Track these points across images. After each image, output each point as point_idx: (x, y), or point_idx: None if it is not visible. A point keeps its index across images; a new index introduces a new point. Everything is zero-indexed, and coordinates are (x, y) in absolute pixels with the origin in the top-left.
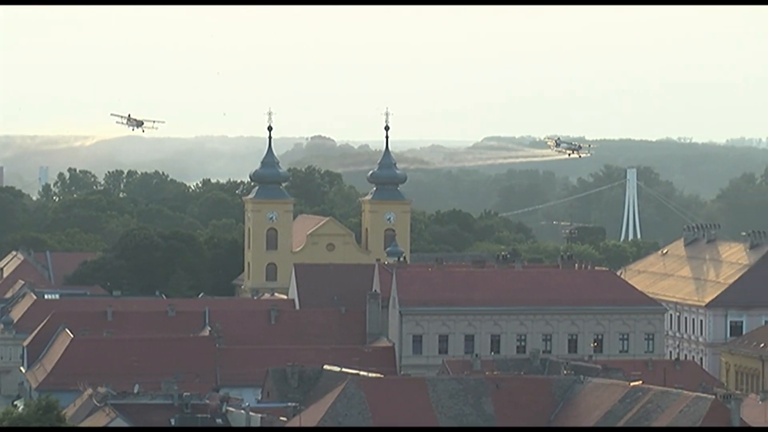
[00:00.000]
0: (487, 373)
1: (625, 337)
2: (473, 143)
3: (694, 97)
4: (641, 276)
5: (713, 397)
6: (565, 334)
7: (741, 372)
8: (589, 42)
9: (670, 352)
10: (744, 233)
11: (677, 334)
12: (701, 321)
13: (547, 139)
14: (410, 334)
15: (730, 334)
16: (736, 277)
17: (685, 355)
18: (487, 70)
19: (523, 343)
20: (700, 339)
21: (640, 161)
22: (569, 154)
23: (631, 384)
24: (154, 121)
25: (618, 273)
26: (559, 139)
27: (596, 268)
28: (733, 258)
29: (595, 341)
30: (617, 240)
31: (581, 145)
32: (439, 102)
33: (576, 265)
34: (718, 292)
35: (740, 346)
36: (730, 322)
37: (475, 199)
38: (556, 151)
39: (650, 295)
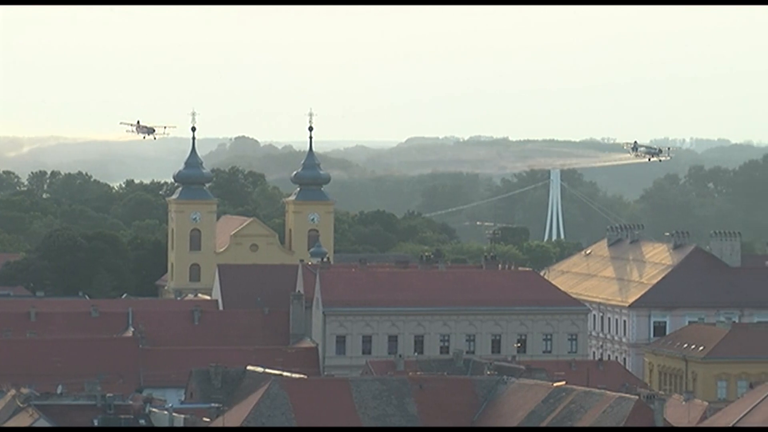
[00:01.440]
0: (410, 373)
1: (549, 337)
2: (397, 144)
3: (617, 97)
4: (565, 276)
5: (636, 397)
6: (488, 335)
7: (664, 372)
8: (512, 41)
9: (594, 353)
10: (667, 234)
11: (601, 335)
12: (625, 321)
13: (624, 144)
14: (334, 335)
15: (654, 335)
16: (660, 278)
17: (609, 356)
18: (410, 70)
19: (446, 344)
20: (624, 339)
21: (565, 161)
22: (649, 159)
23: (555, 384)
24: (165, 127)
25: (541, 273)
26: (636, 143)
27: (520, 268)
28: (657, 258)
29: (518, 342)
30: (541, 240)
31: (661, 149)
32: (363, 102)
33: (499, 265)
34: (642, 293)
35: (664, 347)
36: (654, 322)
37: (399, 199)
38: (633, 155)
39: (574, 296)
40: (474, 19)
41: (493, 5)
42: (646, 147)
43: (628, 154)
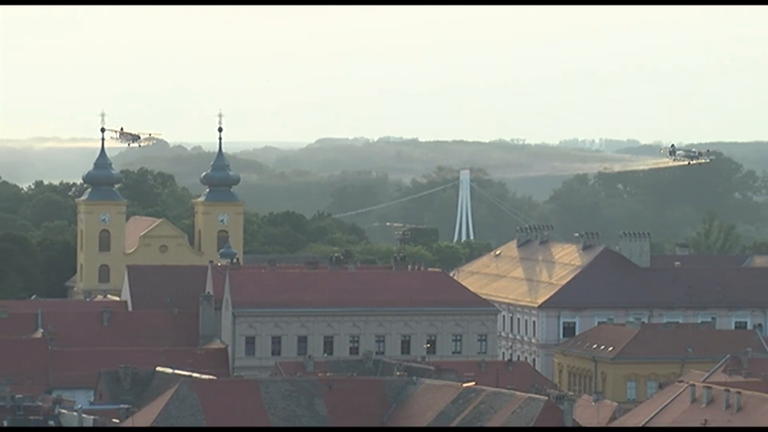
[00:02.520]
0: (319, 374)
1: (458, 338)
2: (306, 145)
3: (526, 98)
4: (474, 277)
5: (546, 398)
6: (398, 335)
7: (574, 373)
8: (421, 40)
9: (503, 353)
10: (577, 234)
11: (510, 335)
12: (534, 322)
13: (661, 149)
14: (243, 336)
15: (563, 335)
16: (569, 278)
17: (518, 356)
18: (319, 70)
19: (356, 345)
20: (533, 340)
21: (474, 162)
22: (689, 162)
23: (464, 385)
24: (150, 134)
25: (451, 274)
26: (673, 146)
27: (429, 269)
28: (566, 259)
29: (428, 342)
30: (450, 241)
31: (700, 152)
32: (272, 103)
33: (409, 266)
34: (551, 293)
35: (573, 347)
36: (563, 323)
37: (309, 200)
38: (672, 159)
39: (483, 296)
40: (382, 18)
41: (401, 5)
42: (685, 150)
43: (667, 159)
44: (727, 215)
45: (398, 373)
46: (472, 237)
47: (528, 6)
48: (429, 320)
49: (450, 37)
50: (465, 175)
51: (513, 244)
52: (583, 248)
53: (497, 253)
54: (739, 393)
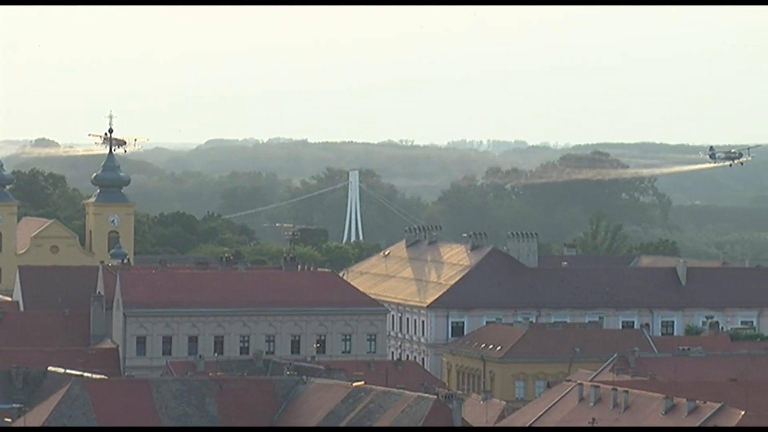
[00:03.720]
0: (210, 374)
1: (348, 337)
2: (196, 146)
3: (414, 98)
4: (364, 277)
5: (435, 397)
6: (288, 335)
7: (462, 372)
8: (309, 41)
9: (392, 353)
10: (465, 235)
11: (399, 335)
12: (423, 322)
13: (700, 152)
14: (134, 336)
15: (452, 335)
16: (458, 278)
17: (407, 356)
18: (208, 70)
19: (246, 344)
20: (422, 339)
21: (363, 163)
22: (730, 165)
23: (354, 384)
24: (135, 139)
25: (340, 274)
26: (712, 148)
27: (319, 269)
28: (455, 259)
29: (317, 342)
30: (340, 242)
31: (741, 152)
32: (162, 104)
33: (299, 266)
34: (440, 293)
35: (462, 347)
36: (452, 322)
37: (199, 201)
38: (712, 162)
39: (372, 296)
40: (271, 18)
41: (293, 5)
42: (725, 152)
43: (709, 163)
44: (614, 216)
45: (288, 373)
46: (361, 237)
47: (416, 6)
48: (318, 320)
49: (337, 38)
50: (354, 176)
51: (402, 244)
52: (472, 248)
53: (386, 253)
54: (626, 392)
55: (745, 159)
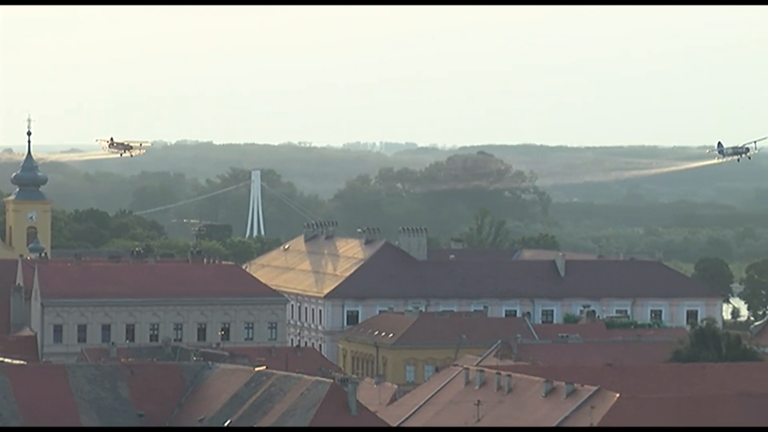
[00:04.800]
0: (122, 360)
1: (251, 326)
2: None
3: (312, 101)
4: (265, 270)
5: (331, 380)
6: (194, 324)
7: (357, 357)
8: (213, 46)
9: (292, 340)
10: (359, 230)
11: (298, 323)
12: (320, 311)
13: (706, 149)
14: (51, 324)
15: (347, 323)
16: (352, 270)
17: (306, 342)
18: (119, 75)
19: (155, 332)
20: (320, 327)
21: (264, 164)
22: (738, 159)
23: (256, 369)
24: (140, 144)
25: (243, 267)
26: (720, 144)
27: (223, 262)
28: (350, 253)
29: (222, 330)
30: (243, 237)
31: (747, 147)
32: (77, 107)
33: (204, 259)
34: (336, 284)
35: (356, 334)
36: (347, 311)
37: (112, 199)
38: (721, 158)
39: (273, 287)
40: (176, 23)
41: (195, 4)
42: (733, 148)
43: (716, 158)
44: (498, 212)
45: (195, 359)
46: (263, 233)
47: (308, 7)
48: (223, 309)
49: (241, 45)
50: (256, 176)
51: (301, 239)
52: (366, 243)
53: (286, 247)
54: (509, 376)
55: (752, 153)
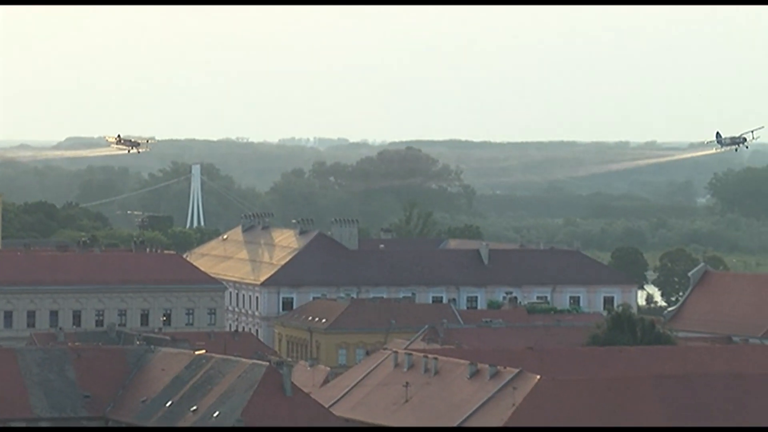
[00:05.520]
0: (69, 344)
1: (191, 312)
2: (57, 142)
3: (249, 97)
4: (204, 258)
5: (267, 363)
6: (138, 310)
7: (292, 342)
8: (150, 43)
9: (230, 325)
10: (294, 221)
11: (236, 309)
12: (257, 297)
13: (706, 141)
14: (2, 310)
15: (282, 309)
16: (287, 259)
17: (243, 327)
18: (66, 72)
19: (101, 318)
20: (256, 313)
21: (204, 158)
22: (736, 149)
23: (196, 353)
24: (147, 141)
25: (184, 256)
26: (718, 134)
27: (165, 252)
28: (285, 242)
29: (164, 315)
30: (183, 227)
31: (745, 137)
32: (25, 104)
33: (147, 249)
34: (272, 272)
35: (291, 319)
36: (283, 298)
37: (59, 191)
38: (720, 147)
39: (212, 275)
40: (112, 19)
41: (133, 4)
42: (731, 138)
43: (716, 148)
44: (425, 204)
45: (138, 343)
46: (202, 223)
47: (250, 7)
48: (165, 296)
49: (180, 42)
50: (196, 169)
51: (238, 229)
52: (300, 233)
53: (225, 237)
54: (436, 359)
55: (749, 143)
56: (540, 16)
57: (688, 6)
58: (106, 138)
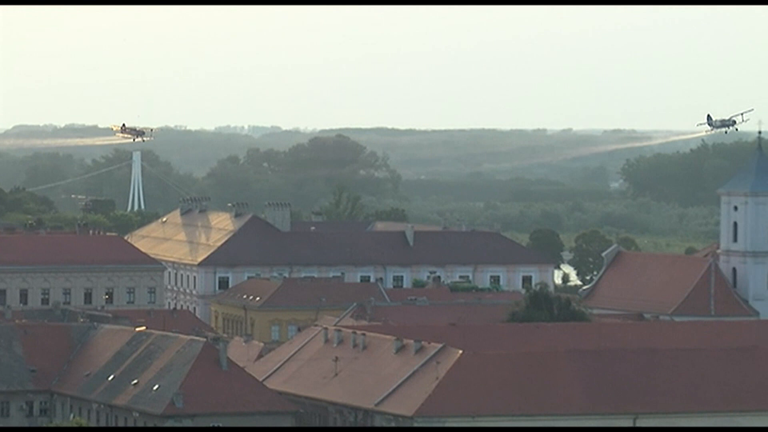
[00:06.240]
0: (16, 321)
1: (132, 290)
2: (4, 130)
3: (186, 89)
4: (145, 240)
5: (205, 339)
6: (81, 289)
7: (228, 319)
8: (92, 36)
9: (169, 303)
10: (230, 204)
11: (175, 288)
12: (194, 277)
13: (699, 124)
14: None
15: (219, 288)
16: (223, 241)
17: (182, 305)
18: (14, 65)
19: (47, 296)
20: (194, 292)
21: (144, 145)
22: (726, 131)
23: (137, 329)
24: (152, 129)
25: (126, 238)
26: (709, 116)
27: (107, 234)
28: (221, 225)
29: (106, 294)
30: (125, 211)
31: (734, 119)
32: None
33: (91, 231)
34: (209, 253)
35: (227, 298)
36: (219, 277)
37: (7, 176)
38: (710, 129)
39: (152, 256)
40: (53, 8)
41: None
42: (721, 120)
43: (706, 130)
44: (354, 188)
45: (82, 320)
46: (143, 207)
47: (196, 6)
48: (107, 276)
49: (122, 34)
50: (137, 156)
51: (177, 212)
52: (235, 216)
53: (164, 220)
54: (364, 334)
55: (738, 125)
56: (460, 7)
57: None
58: (111, 127)
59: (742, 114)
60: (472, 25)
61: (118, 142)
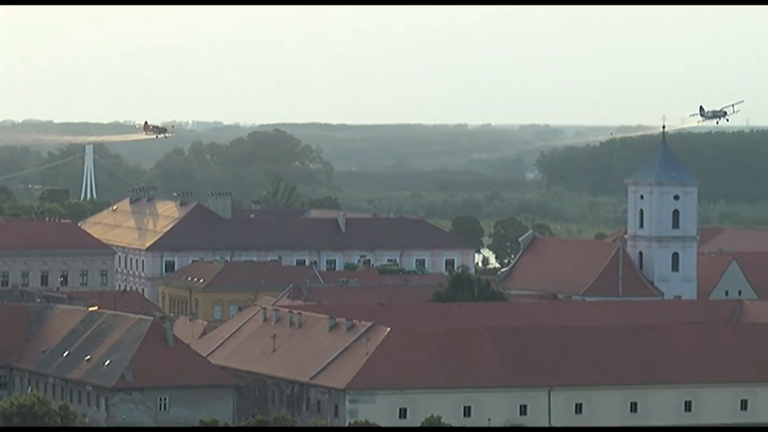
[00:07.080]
0: None
1: (85, 273)
2: None
3: (135, 85)
4: (97, 227)
5: (152, 318)
6: (38, 272)
7: (174, 299)
8: (48, 31)
9: (120, 285)
10: (175, 194)
11: (125, 271)
12: (143, 261)
13: (691, 115)
14: None
15: (165, 271)
16: (170, 227)
17: (131, 287)
18: None
19: (6, 279)
20: (142, 274)
21: (96, 139)
22: (717, 122)
23: (90, 309)
24: (173, 126)
25: (79, 225)
26: (702, 107)
27: (62, 221)
28: (167, 213)
29: (61, 277)
30: (79, 199)
31: (725, 110)
32: None
33: (47, 219)
34: (156, 239)
35: (173, 280)
36: (165, 261)
37: None
38: (702, 120)
39: (104, 242)
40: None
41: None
42: (713, 111)
43: (698, 121)
44: (290, 179)
45: (39, 301)
46: (95, 196)
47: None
48: (62, 260)
49: (71, 27)
50: (89, 149)
51: (126, 201)
52: (180, 204)
53: (114, 208)
54: (299, 314)
55: (729, 116)
56: (391, 8)
57: None
58: (136, 124)
59: (733, 105)
60: (398, 24)
61: (138, 138)
